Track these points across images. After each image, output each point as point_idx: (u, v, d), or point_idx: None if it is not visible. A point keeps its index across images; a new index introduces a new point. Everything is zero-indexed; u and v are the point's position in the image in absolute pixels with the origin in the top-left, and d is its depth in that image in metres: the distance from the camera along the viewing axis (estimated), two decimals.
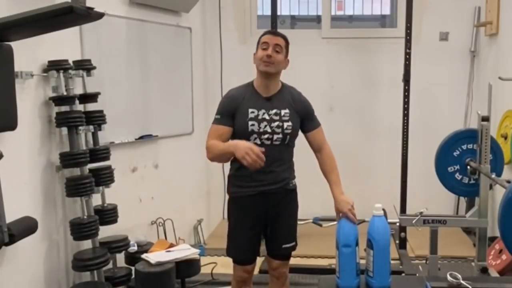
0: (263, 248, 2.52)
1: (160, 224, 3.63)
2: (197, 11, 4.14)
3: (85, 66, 2.78)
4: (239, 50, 4.56)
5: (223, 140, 2.29)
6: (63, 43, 2.72)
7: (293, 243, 2.47)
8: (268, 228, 2.45)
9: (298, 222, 2.53)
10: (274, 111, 2.33)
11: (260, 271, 3.32)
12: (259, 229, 2.44)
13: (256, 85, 2.38)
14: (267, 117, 2.32)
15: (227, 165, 2.47)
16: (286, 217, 2.45)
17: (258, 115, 2.32)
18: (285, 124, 2.32)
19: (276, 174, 2.36)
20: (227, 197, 2.48)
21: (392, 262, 1.69)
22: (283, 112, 2.34)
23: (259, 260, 2.54)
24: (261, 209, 2.38)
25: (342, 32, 4.71)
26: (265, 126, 2.31)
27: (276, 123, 2.32)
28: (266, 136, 2.31)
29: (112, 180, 2.92)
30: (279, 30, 3.87)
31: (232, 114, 2.34)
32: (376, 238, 1.60)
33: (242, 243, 2.43)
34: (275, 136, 2.32)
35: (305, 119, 2.40)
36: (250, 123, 2.30)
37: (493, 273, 2.75)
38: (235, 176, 2.42)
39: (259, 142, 2.30)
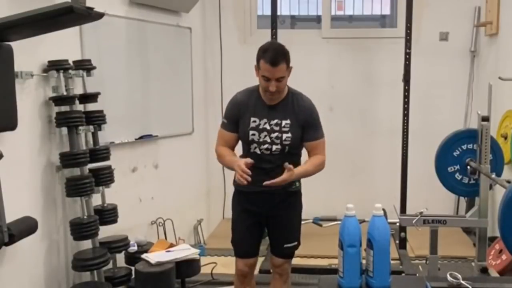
0: (262, 248, 2.52)
1: (160, 224, 3.63)
2: (197, 11, 4.14)
3: (85, 66, 2.78)
4: (239, 50, 4.56)
5: (230, 146, 2.42)
6: (63, 43, 2.72)
7: (295, 243, 2.50)
8: (270, 226, 2.49)
9: None
10: (275, 121, 2.35)
11: (260, 271, 3.32)
12: (258, 221, 2.48)
13: (261, 93, 2.39)
14: (267, 127, 2.35)
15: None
16: (288, 218, 2.48)
17: (259, 124, 2.36)
18: (284, 136, 2.34)
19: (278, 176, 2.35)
20: (227, 197, 2.49)
21: (392, 262, 1.69)
22: (283, 122, 2.35)
23: (259, 260, 2.54)
24: (262, 204, 2.42)
25: (342, 32, 4.71)
26: (265, 136, 2.35)
27: (276, 134, 2.34)
28: (265, 146, 2.35)
29: (112, 180, 2.92)
30: (278, 31, 3.93)
31: (236, 120, 2.40)
32: (376, 238, 1.60)
33: (241, 234, 2.49)
34: (274, 147, 2.35)
35: (306, 127, 2.38)
36: (251, 132, 2.36)
37: (493, 273, 2.74)
38: None
39: (258, 152, 2.36)
